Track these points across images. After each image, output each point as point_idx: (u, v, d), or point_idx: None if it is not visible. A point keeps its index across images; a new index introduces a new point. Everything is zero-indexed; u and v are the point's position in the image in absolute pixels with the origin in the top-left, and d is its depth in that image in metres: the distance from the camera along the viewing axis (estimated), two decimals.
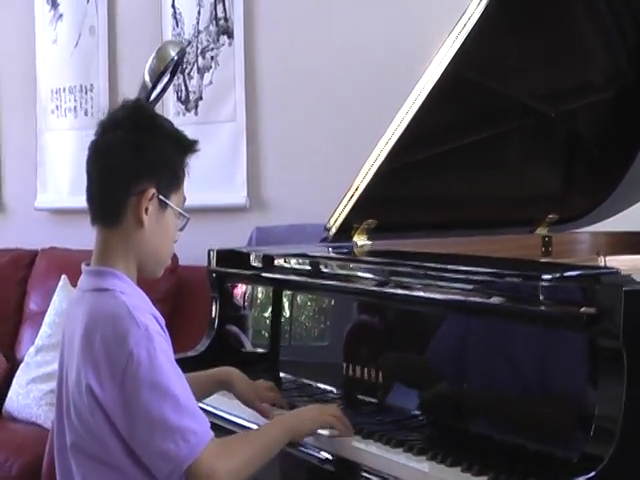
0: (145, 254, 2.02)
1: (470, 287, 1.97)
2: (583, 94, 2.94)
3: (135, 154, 1.97)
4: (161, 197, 1.99)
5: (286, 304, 2.57)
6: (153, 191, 1.97)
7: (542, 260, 2.87)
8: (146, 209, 1.97)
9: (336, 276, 2.41)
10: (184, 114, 4.16)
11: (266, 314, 2.60)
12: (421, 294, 2.07)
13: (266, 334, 2.60)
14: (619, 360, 1.63)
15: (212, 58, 4.06)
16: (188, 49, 4.03)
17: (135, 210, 1.97)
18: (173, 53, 2.30)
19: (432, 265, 2.13)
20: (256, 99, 3.96)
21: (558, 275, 1.85)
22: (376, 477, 1.92)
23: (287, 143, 3.95)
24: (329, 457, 2.05)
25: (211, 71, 4.09)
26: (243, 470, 1.94)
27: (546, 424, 1.80)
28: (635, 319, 1.65)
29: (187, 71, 4.12)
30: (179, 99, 4.17)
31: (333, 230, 2.72)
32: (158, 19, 4.21)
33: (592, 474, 1.59)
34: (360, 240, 2.70)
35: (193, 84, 4.13)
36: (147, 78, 2.29)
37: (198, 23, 4.09)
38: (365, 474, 1.96)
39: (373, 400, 2.17)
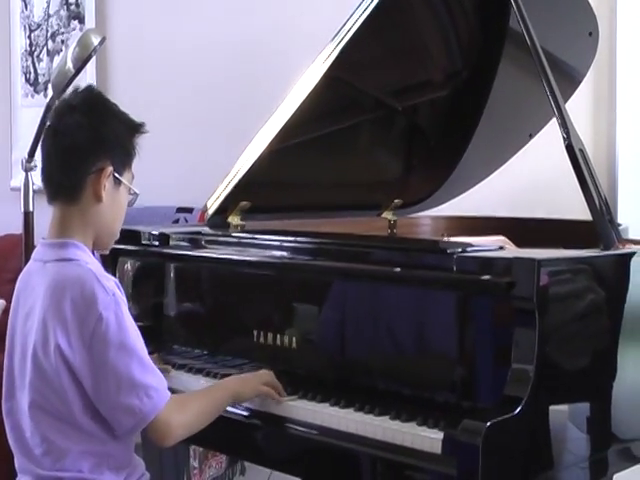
0: (101, 227, 2.19)
1: (385, 260, 2.26)
2: (425, 91, 3.22)
3: (93, 135, 2.14)
4: (116, 175, 2.17)
5: (183, 279, 2.76)
6: (111, 169, 2.15)
7: (433, 239, 3.19)
8: (104, 186, 2.14)
9: (236, 250, 2.61)
10: (33, 96, 4.22)
11: (165, 290, 2.76)
12: (342, 265, 2.35)
13: (166, 309, 2.77)
14: (532, 317, 1.95)
15: (62, 42, 4.14)
16: (37, 32, 4.10)
17: (94, 186, 2.14)
18: (95, 41, 2.45)
19: (347, 242, 2.43)
20: (107, 83, 4.07)
21: (460, 250, 2.16)
22: (308, 429, 2.18)
23: None
24: (256, 413, 2.29)
25: (61, 54, 4.16)
26: (194, 425, 2.16)
27: (466, 375, 2.10)
28: (544, 284, 1.97)
29: (36, 54, 4.18)
30: (27, 81, 4.22)
31: (211, 211, 2.90)
32: (6, 1, 4.24)
33: (517, 411, 1.90)
34: (234, 220, 2.89)
35: (42, 67, 4.19)
36: (70, 65, 2.43)
37: (48, 7, 4.16)
38: (297, 427, 2.21)
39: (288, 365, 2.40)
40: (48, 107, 2.57)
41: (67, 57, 2.47)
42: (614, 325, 2.24)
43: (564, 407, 2.10)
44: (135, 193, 2.24)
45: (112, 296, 2.06)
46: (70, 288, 2.06)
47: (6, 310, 2.65)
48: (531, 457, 2.00)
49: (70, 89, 2.38)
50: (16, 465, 2.18)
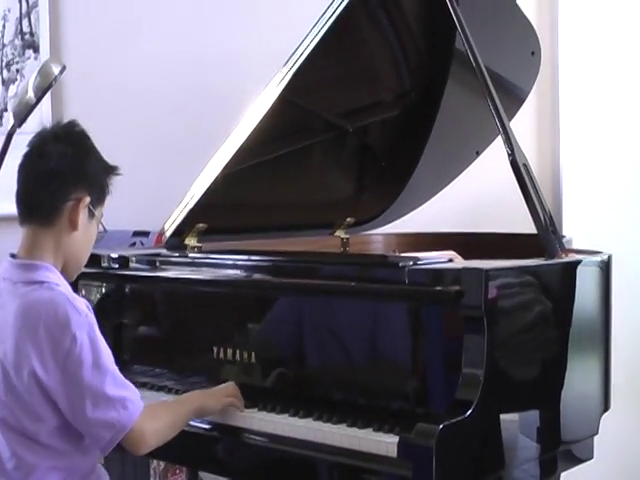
0: (71, 255, 2.26)
1: (339, 275, 2.36)
2: (375, 111, 3.31)
3: (75, 165, 2.23)
4: (91, 207, 2.25)
5: (143, 300, 2.83)
6: (88, 199, 2.23)
7: (384, 254, 3.27)
8: (80, 215, 2.22)
9: (194, 270, 2.69)
10: None
11: (125, 310, 2.83)
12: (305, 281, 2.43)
13: (126, 330, 2.83)
14: (481, 324, 2.05)
15: (17, 71, 4.19)
16: None
17: (70, 214, 2.22)
18: (56, 71, 2.51)
19: (303, 259, 2.53)
20: (63, 111, 4.12)
21: (411, 263, 2.25)
22: (269, 439, 2.26)
23: None
24: (218, 425, 2.37)
25: (16, 83, 4.21)
26: (165, 434, 2.22)
27: (420, 383, 2.20)
28: (492, 292, 2.08)
29: None
30: None
31: (168, 233, 2.96)
32: None
33: (468, 413, 1.99)
34: (191, 242, 2.96)
35: None
36: (31, 94, 2.49)
37: (3, 36, 4.21)
38: (258, 437, 2.29)
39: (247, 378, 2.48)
40: (9, 135, 2.63)
41: (28, 86, 2.53)
42: (562, 329, 2.35)
43: (514, 409, 2.19)
44: (104, 229, 2.32)
45: (85, 317, 2.12)
46: (44, 312, 2.12)
47: None
48: (483, 457, 2.10)
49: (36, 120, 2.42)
50: None
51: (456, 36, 2.91)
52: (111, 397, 2.10)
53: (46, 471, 2.14)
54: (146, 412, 2.16)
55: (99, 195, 2.29)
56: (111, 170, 2.33)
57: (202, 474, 3.28)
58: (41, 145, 2.25)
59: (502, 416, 2.12)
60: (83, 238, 2.27)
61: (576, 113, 3.80)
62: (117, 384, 2.13)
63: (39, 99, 2.53)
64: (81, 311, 2.12)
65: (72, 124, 2.31)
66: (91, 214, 2.26)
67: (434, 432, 1.93)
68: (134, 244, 3.79)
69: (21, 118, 2.58)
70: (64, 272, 2.26)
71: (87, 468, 2.22)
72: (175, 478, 3.53)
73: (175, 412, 2.29)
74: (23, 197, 2.25)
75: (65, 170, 2.22)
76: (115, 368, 2.15)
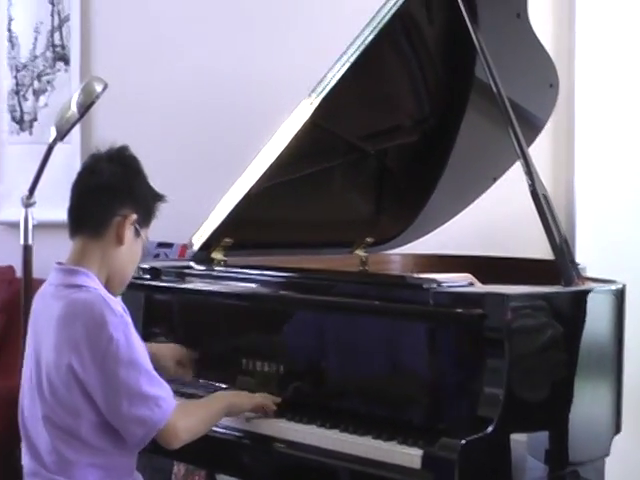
0: (116, 269, 2.37)
1: (367, 294, 2.47)
2: (396, 135, 3.40)
3: (125, 184, 2.36)
4: (137, 226, 2.36)
5: (173, 310, 2.95)
6: (135, 216, 2.35)
7: (408, 275, 3.34)
8: (126, 230, 2.34)
9: (224, 284, 2.81)
10: (18, 134, 4.36)
11: (154, 320, 2.94)
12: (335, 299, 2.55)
13: (155, 338, 2.91)
14: (501, 346, 2.16)
15: (48, 82, 4.31)
16: (24, 72, 4.26)
17: (118, 228, 2.34)
18: (99, 89, 2.62)
19: (334, 277, 2.67)
20: (91, 123, 4.22)
21: (436, 285, 2.36)
22: (297, 448, 2.37)
23: None
24: (248, 433, 2.48)
25: (47, 94, 4.33)
26: (197, 430, 2.34)
27: (441, 400, 2.31)
28: (512, 317, 2.20)
29: (22, 93, 4.33)
30: (13, 119, 4.36)
31: (196, 247, 3.06)
32: None
33: (489, 430, 2.11)
34: (217, 256, 3.06)
35: (28, 105, 4.35)
36: (75, 110, 2.61)
37: (35, 48, 4.32)
38: (283, 445, 2.40)
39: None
40: (50, 148, 2.75)
41: (71, 103, 2.64)
42: (575, 355, 2.45)
43: (528, 429, 2.29)
44: (148, 252, 2.43)
45: (120, 317, 2.25)
46: (81, 312, 2.24)
47: None
48: (499, 472, 2.21)
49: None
50: (25, 467, 2.35)
51: (476, 64, 3.02)
52: (146, 395, 2.22)
53: (85, 468, 2.26)
54: (179, 409, 2.28)
55: (145, 217, 2.41)
56: (158, 198, 2.45)
57: None
58: (94, 164, 2.39)
59: (513, 435, 2.21)
60: (128, 254, 2.38)
61: (590, 144, 3.89)
62: (152, 382, 2.24)
63: (82, 115, 2.64)
64: (117, 312, 2.24)
65: (124, 148, 2.44)
66: (137, 233, 2.37)
67: (457, 446, 2.05)
68: (158, 255, 3.91)
69: (63, 132, 2.70)
70: (108, 286, 2.37)
71: (125, 470, 2.33)
72: None
73: (207, 408, 2.41)
74: (74, 210, 2.38)
75: (115, 186, 2.35)
76: (150, 366, 2.26)
